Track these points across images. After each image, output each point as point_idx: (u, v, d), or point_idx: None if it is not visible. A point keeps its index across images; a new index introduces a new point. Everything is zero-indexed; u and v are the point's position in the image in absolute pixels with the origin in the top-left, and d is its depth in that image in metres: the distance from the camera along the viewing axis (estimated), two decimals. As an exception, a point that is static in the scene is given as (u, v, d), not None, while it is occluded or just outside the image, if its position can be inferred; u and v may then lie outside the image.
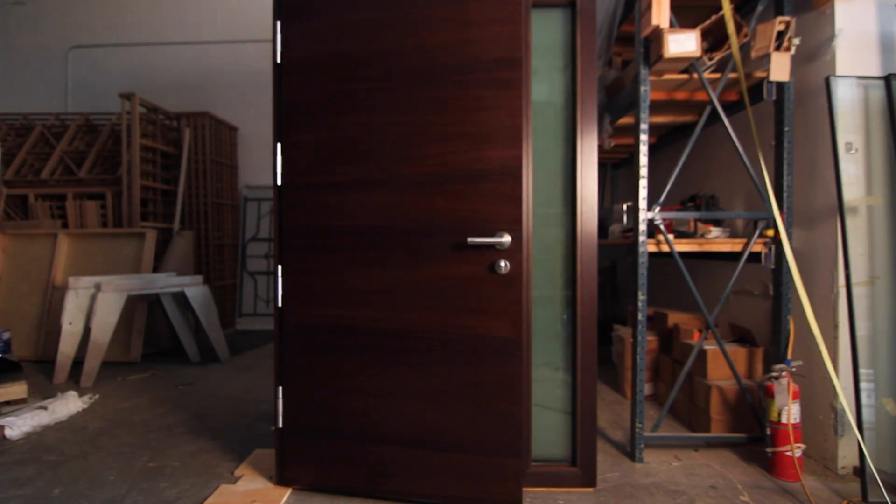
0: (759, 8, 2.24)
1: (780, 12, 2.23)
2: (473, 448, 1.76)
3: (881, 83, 2.10)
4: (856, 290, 2.03)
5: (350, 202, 1.85)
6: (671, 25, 2.19)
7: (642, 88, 2.27)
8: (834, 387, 1.97)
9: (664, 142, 3.64)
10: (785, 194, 2.25)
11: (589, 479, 1.98)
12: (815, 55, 2.27)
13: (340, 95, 1.84)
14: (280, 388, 1.94)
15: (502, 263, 1.69)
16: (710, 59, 2.26)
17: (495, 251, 1.72)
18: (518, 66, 1.69)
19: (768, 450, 2.10)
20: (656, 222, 2.27)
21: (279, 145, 1.91)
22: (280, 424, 1.94)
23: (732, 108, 2.55)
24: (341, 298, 1.87)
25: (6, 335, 3.53)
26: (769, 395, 2.10)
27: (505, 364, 1.72)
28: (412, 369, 1.81)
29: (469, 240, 1.70)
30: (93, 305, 3.47)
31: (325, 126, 1.85)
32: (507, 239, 1.68)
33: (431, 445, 1.80)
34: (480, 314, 1.74)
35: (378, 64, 1.81)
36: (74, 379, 3.45)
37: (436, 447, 1.79)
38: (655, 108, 2.74)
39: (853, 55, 2.15)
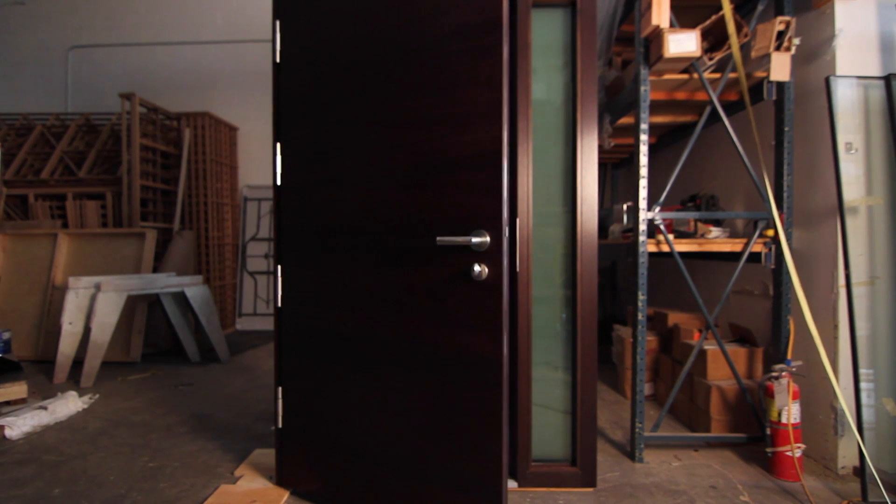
0: (759, 8, 2.24)
1: (780, 12, 2.23)
2: (445, 482, 1.55)
3: (881, 83, 2.10)
4: (856, 291, 2.03)
5: (337, 200, 1.77)
6: (671, 25, 2.19)
7: (642, 88, 2.27)
8: (833, 387, 1.97)
9: (664, 142, 3.63)
10: (785, 194, 2.25)
11: (589, 479, 1.98)
12: (815, 55, 2.27)
13: (332, 90, 1.78)
14: (280, 389, 1.94)
15: (476, 268, 1.45)
16: (710, 59, 2.26)
17: (472, 253, 1.48)
18: (496, 29, 1.44)
19: (768, 450, 2.10)
20: (656, 222, 2.27)
21: (278, 145, 1.92)
22: (280, 424, 1.94)
23: (732, 108, 2.55)
24: (328, 301, 1.80)
25: (6, 335, 3.53)
26: (769, 395, 2.10)
27: (481, 388, 1.47)
28: (390, 383, 1.67)
29: (438, 240, 1.48)
30: (93, 305, 3.47)
31: (319, 123, 1.82)
32: (483, 239, 1.44)
33: (407, 470, 1.63)
34: (455, 327, 1.52)
35: (361, 51, 1.69)
36: (74, 379, 3.45)
37: (412, 473, 1.62)
38: (655, 108, 2.74)
39: (853, 55, 2.15)
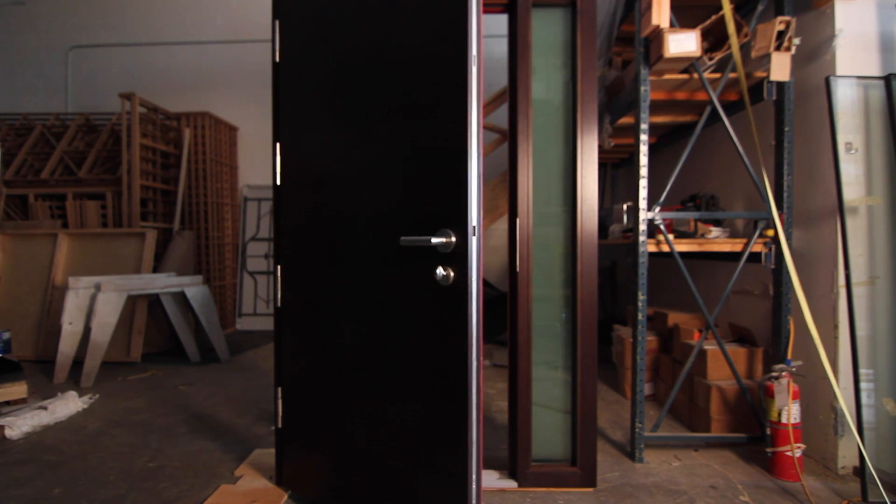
0: (759, 8, 2.24)
1: (780, 12, 2.23)
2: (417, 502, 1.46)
3: (881, 83, 2.10)
4: (856, 290, 2.03)
5: (329, 200, 1.74)
6: (671, 25, 2.19)
7: (642, 88, 2.27)
8: (833, 387, 1.97)
9: (664, 142, 3.63)
10: (785, 194, 2.25)
11: (589, 479, 1.98)
12: (815, 55, 2.27)
13: (325, 87, 1.74)
14: (279, 389, 1.94)
15: (440, 272, 1.33)
16: (710, 59, 2.26)
17: (438, 255, 1.36)
18: (460, 3, 1.31)
19: (768, 450, 2.10)
20: (656, 222, 2.27)
21: (278, 145, 1.91)
22: (280, 425, 1.94)
23: (732, 108, 2.55)
24: (319, 303, 1.76)
25: (6, 335, 3.53)
26: (769, 395, 2.10)
27: (444, 405, 1.35)
28: (368, 393, 1.61)
29: (402, 240, 1.38)
30: (93, 305, 3.47)
31: (316, 122, 1.79)
32: (448, 240, 1.33)
33: (386, 488, 1.56)
34: (421, 336, 1.42)
35: (352, 47, 1.64)
36: (74, 379, 3.45)
37: (389, 492, 1.55)
38: (655, 108, 2.74)
39: (853, 55, 2.15)
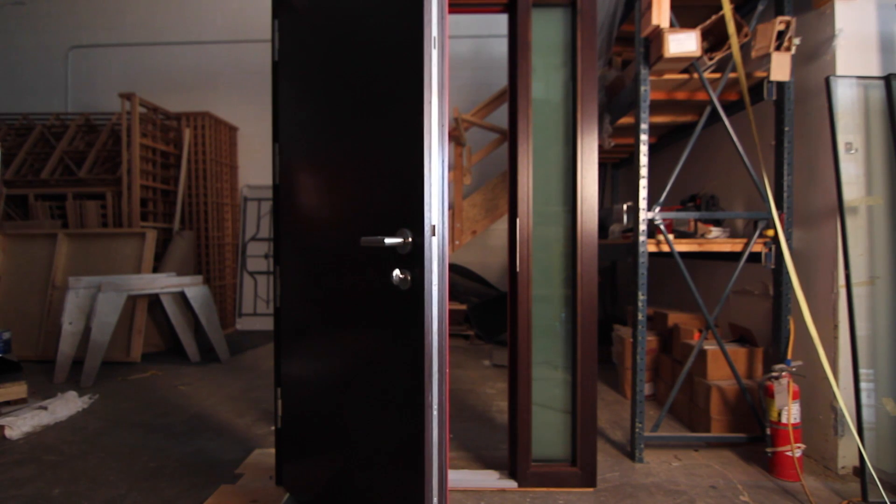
0: (760, 8, 2.24)
1: (780, 12, 2.23)
2: None
3: (881, 83, 2.10)
4: (856, 290, 2.03)
5: (320, 200, 1.69)
6: (671, 25, 2.19)
7: (642, 88, 2.27)
8: (833, 387, 1.97)
9: (664, 142, 3.64)
10: (785, 194, 2.25)
11: (589, 479, 1.98)
12: (815, 55, 2.27)
13: (318, 87, 1.71)
14: (279, 389, 1.94)
15: (397, 275, 1.25)
16: (711, 58, 2.26)
17: (397, 257, 1.29)
18: None
19: (768, 450, 2.10)
20: (656, 222, 2.27)
21: (277, 145, 1.91)
22: (279, 425, 1.94)
23: (732, 108, 2.55)
24: (311, 305, 1.74)
25: (6, 335, 3.53)
26: (769, 395, 2.10)
27: (401, 421, 1.27)
28: (343, 402, 1.55)
29: (362, 241, 1.29)
30: (93, 305, 3.47)
31: (309, 121, 1.77)
32: (403, 240, 1.26)
33: (367, 500, 1.50)
34: (381, 342, 1.36)
35: (332, 36, 1.60)
36: (74, 379, 3.45)
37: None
38: (655, 108, 2.74)
39: (853, 55, 2.15)
